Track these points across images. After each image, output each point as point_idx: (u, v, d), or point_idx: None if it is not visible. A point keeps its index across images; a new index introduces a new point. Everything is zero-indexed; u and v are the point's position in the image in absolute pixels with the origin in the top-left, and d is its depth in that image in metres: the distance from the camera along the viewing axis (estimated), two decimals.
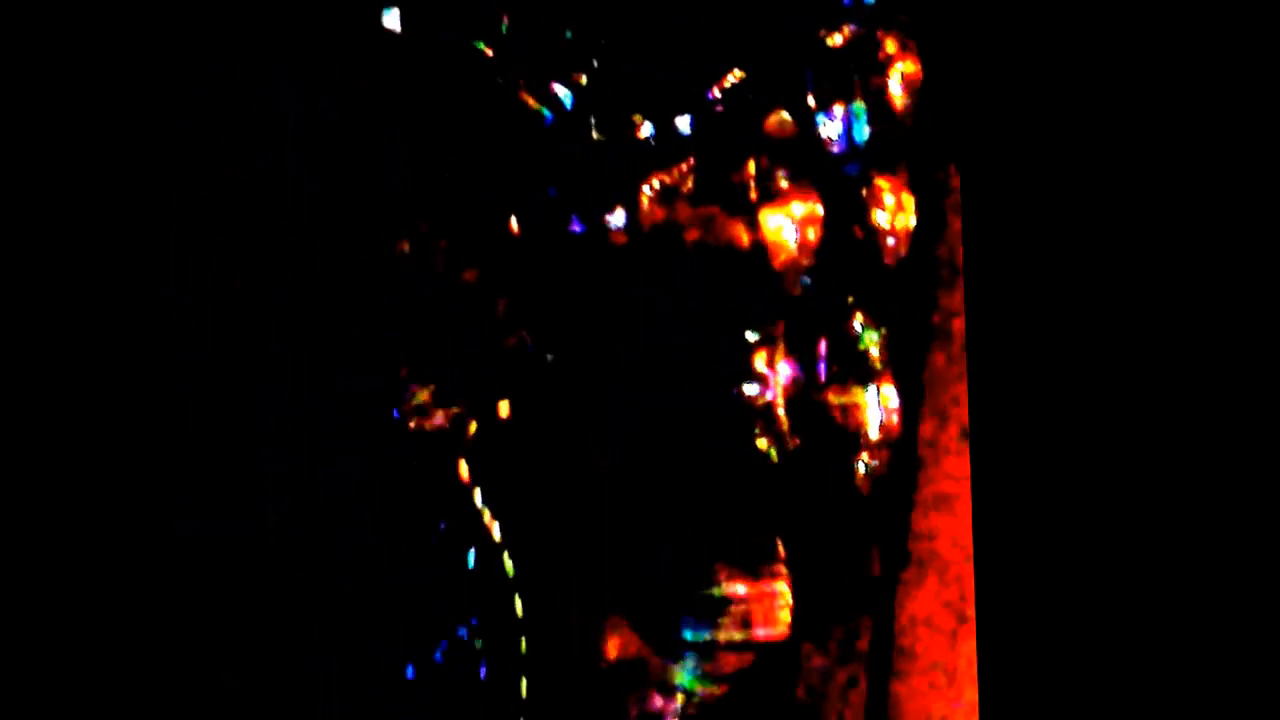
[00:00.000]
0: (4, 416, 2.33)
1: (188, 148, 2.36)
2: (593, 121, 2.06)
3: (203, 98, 2.35)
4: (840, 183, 1.91)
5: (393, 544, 2.38)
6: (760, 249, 1.95)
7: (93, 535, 2.32)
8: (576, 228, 2.11)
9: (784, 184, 1.93)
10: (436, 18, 2.27)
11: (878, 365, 1.89)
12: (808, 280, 1.94)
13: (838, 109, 1.89)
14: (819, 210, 1.92)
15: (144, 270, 2.36)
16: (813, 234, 1.91)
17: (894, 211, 1.89)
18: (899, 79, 1.87)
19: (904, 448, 1.90)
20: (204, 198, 2.37)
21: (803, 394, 1.93)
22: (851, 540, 1.96)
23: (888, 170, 1.88)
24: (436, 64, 2.21)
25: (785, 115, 1.93)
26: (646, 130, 2.06)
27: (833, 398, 1.90)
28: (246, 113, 2.36)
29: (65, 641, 2.31)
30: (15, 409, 2.33)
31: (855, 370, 1.91)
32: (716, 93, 2.00)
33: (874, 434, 1.90)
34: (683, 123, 2.03)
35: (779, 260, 1.93)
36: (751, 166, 1.96)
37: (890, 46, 1.88)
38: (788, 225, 1.91)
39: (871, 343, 1.90)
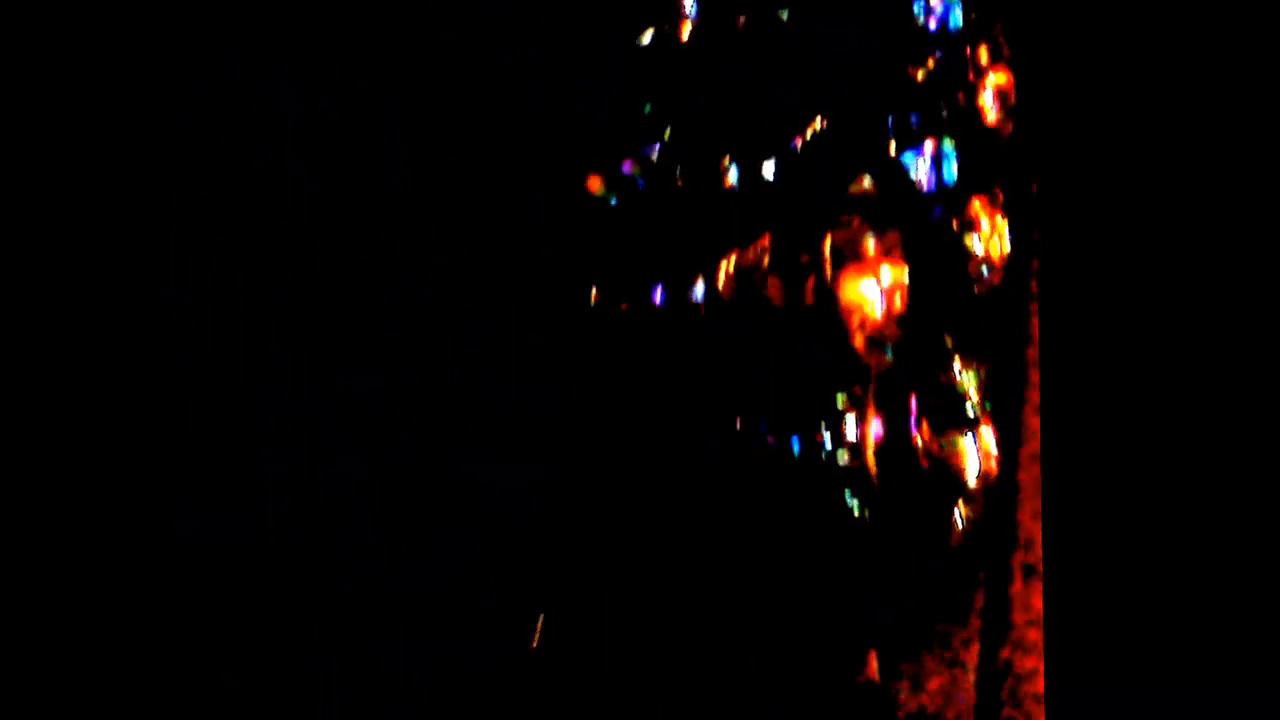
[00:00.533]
0: (3, 416, 2.33)
1: (188, 148, 2.36)
2: (678, 170, 2.06)
3: (203, 98, 2.36)
4: (931, 223, 1.88)
5: (393, 544, 2.38)
6: (843, 317, 1.94)
7: (93, 535, 2.32)
8: (658, 300, 2.11)
9: (871, 248, 1.91)
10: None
11: (976, 409, 1.86)
12: (891, 352, 1.92)
13: (927, 145, 1.87)
14: (905, 276, 1.90)
15: (144, 270, 2.36)
16: (899, 300, 1.89)
17: (988, 237, 1.85)
18: (992, 91, 1.84)
19: (1003, 491, 1.85)
20: (204, 198, 2.37)
21: (895, 450, 1.90)
22: (948, 590, 1.92)
23: (982, 191, 1.84)
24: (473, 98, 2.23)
25: (868, 180, 1.92)
26: (733, 176, 2.07)
27: (928, 449, 1.88)
28: (246, 113, 2.37)
29: (66, 641, 2.31)
30: (15, 409, 2.33)
31: (953, 417, 1.87)
32: (800, 142, 1.99)
33: (971, 481, 1.86)
34: (768, 168, 2.03)
35: (866, 327, 1.92)
36: (828, 245, 1.95)
37: (983, 56, 1.85)
38: (873, 291, 1.90)
39: (970, 384, 1.87)
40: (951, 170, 1.89)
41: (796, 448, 2.03)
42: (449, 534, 2.38)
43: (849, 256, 1.99)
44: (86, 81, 2.33)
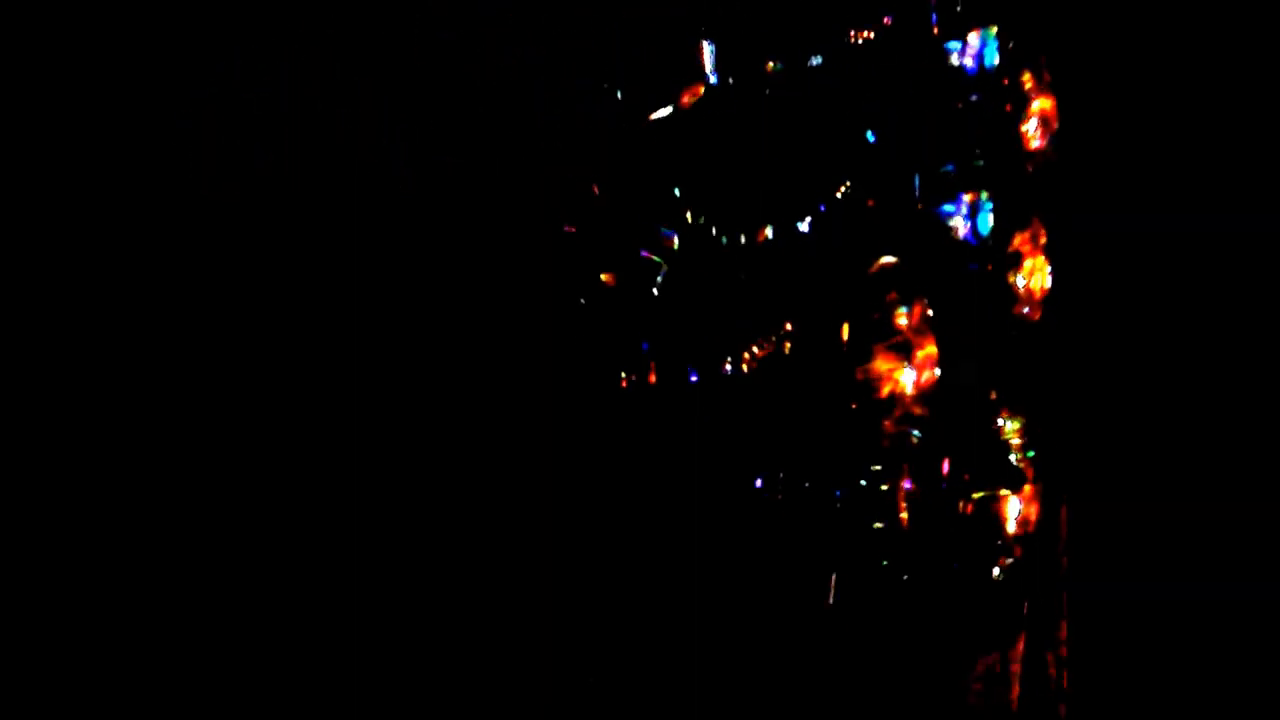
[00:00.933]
0: (1, 417, 2.33)
1: (188, 148, 2.36)
2: (714, 231, 2.08)
3: (203, 98, 2.35)
4: (968, 274, 1.85)
5: (391, 544, 2.38)
6: (872, 392, 1.95)
7: (94, 535, 2.32)
8: (693, 377, 2.13)
9: (902, 321, 1.90)
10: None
11: (1019, 461, 1.84)
12: (918, 433, 1.92)
13: (965, 197, 1.85)
14: (934, 351, 1.89)
15: (143, 270, 2.36)
16: (926, 375, 1.88)
17: (1029, 274, 1.82)
18: (1036, 118, 1.80)
19: (1045, 542, 1.82)
20: (204, 198, 2.37)
21: (932, 508, 1.89)
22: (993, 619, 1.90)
23: (1023, 226, 1.81)
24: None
25: (888, 258, 1.91)
26: (769, 232, 2.08)
27: (967, 503, 1.87)
28: (246, 113, 2.36)
29: (65, 641, 2.31)
30: (13, 409, 2.32)
31: (997, 471, 1.85)
32: (835, 197, 2.00)
33: (1011, 528, 1.84)
34: (803, 225, 2.04)
35: (896, 407, 1.92)
36: (846, 330, 1.95)
37: (1027, 82, 1.81)
38: (907, 371, 1.90)
39: (1012, 433, 1.85)
40: (987, 221, 1.86)
41: (839, 494, 2.04)
42: (447, 536, 2.38)
43: (879, 333, 1.99)
44: (87, 81, 2.33)
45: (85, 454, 2.35)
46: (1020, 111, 1.83)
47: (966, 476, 1.90)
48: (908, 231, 1.93)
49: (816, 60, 2.03)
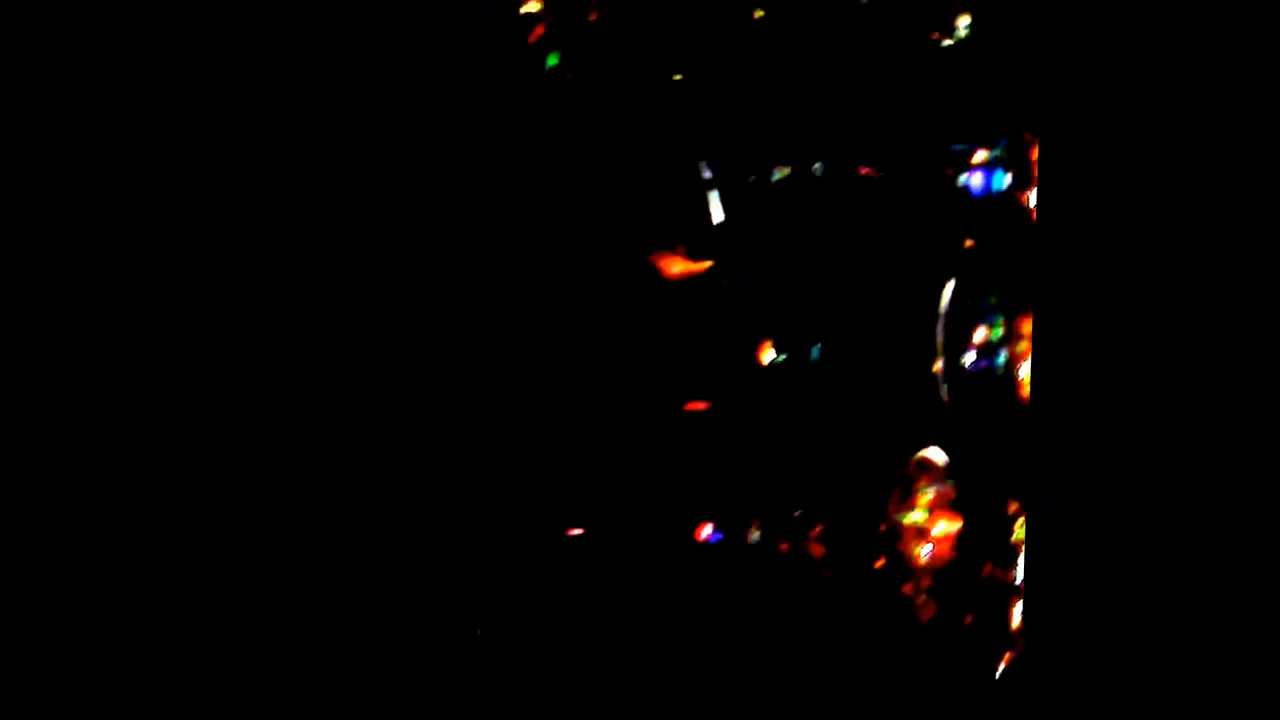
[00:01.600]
0: (1, 417, 2.33)
1: (188, 148, 2.36)
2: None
3: (203, 98, 2.36)
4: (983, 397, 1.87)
5: (390, 542, 2.38)
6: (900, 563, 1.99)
7: (94, 533, 2.33)
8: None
9: (928, 496, 1.93)
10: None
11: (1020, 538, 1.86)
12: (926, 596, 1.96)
13: (981, 330, 1.86)
14: (955, 529, 1.92)
15: (143, 269, 2.36)
16: (942, 550, 1.91)
17: (1028, 350, 1.82)
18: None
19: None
20: (204, 198, 2.38)
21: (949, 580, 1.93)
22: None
23: (1024, 310, 1.81)
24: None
25: (924, 453, 1.93)
26: (769, 356, 2.12)
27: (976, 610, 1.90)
28: (246, 113, 2.37)
29: (65, 640, 2.31)
30: (14, 409, 2.33)
31: (1011, 584, 1.88)
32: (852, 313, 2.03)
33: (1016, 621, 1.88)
34: (814, 351, 2.08)
35: (908, 579, 1.95)
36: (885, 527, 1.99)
37: (1033, 152, 1.81)
38: (926, 549, 1.92)
39: (1020, 527, 1.88)
40: (1002, 357, 1.87)
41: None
42: (446, 533, 2.38)
43: (901, 506, 2.02)
44: (88, 81, 2.33)
45: (86, 452, 2.35)
46: (1025, 183, 1.82)
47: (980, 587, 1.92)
48: (931, 387, 1.95)
49: (818, 168, 2.06)
